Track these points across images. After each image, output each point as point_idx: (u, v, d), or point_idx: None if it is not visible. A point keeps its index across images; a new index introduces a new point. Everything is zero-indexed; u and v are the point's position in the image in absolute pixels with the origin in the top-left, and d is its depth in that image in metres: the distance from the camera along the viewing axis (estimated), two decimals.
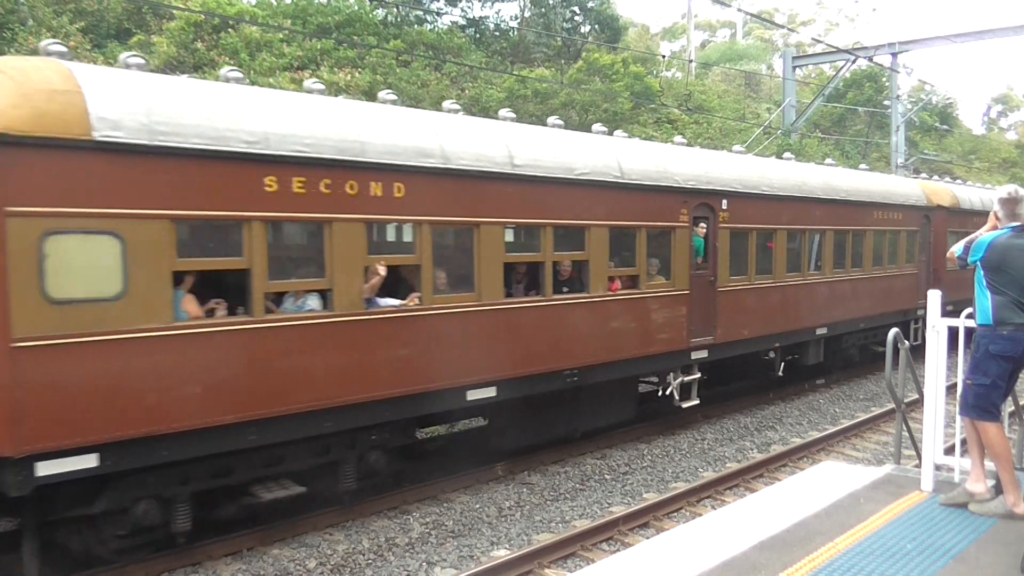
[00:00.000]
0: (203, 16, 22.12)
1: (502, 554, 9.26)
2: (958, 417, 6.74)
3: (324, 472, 9.86)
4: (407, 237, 10.28)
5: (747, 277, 15.17)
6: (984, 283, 6.37)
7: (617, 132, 14.25)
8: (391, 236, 10.60)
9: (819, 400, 17.92)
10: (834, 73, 40.08)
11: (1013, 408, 7.90)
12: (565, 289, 11.84)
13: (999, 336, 6.24)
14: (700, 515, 9.98)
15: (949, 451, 7.36)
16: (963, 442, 6.85)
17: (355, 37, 25.36)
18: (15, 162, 7.05)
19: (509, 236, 11.37)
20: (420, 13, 31.37)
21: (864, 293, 18.72)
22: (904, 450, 8.69)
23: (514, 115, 12.39)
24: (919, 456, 7.48)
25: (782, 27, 56.65)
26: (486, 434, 12.76)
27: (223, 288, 8.73)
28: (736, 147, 18.07)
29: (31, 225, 7.12)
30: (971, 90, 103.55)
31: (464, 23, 33.09)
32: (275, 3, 27.31)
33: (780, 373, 17.32)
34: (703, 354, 14.17)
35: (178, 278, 8.12)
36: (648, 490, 11.78)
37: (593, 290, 12.07)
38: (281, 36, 23.81)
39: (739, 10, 48.75)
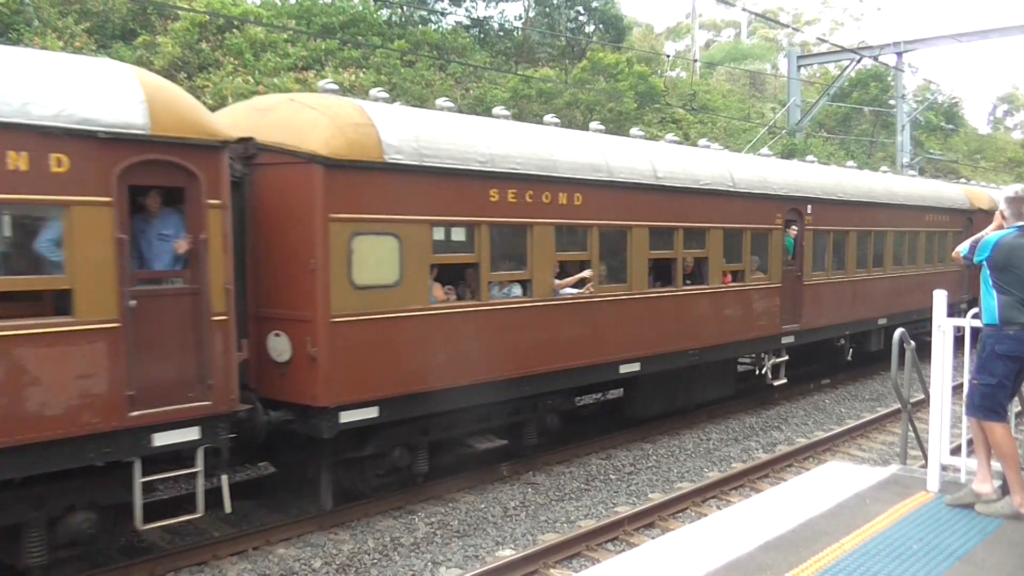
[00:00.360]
0: (208, 16, 22.13)
1: (507, 554, 9.27)
2: (964, 417, 6.72)
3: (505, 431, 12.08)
4: (582, 238, 12.15)
5: (826, 272, 17.47)
6: (990, 282, 6.36)
7: (704, 142, 16.47)
8: (571, 237, 12.18)
9: (824, 400, 17.90)
10: (839, 72, 40.05)
11: (1020, 408, 7.89)
12: (688, 282, 13.98)
13: (1005, 336, 6.23)
14: (706, 515, 9.97)
15: (955, 451, 7.34)
16: (969, 442, 6.83)
17: (359, 37, 25.35)
18: (334, 179, 9.14)
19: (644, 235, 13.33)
20: (424, 13, 31.36)
21: (916, 288, 20.10)
22: (910, 450, 8.69)
23: (508, 113, 12.97)
24: (925, 456, 7.47)
25: (787, 26, 56.54)
26: (622, 404, 14.85)
27: (450, 278, 10.84)
28: (809, 157, 21.13)
29: (344, 228, 9.21)
30: (977, 89, 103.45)
31: (468, 23, 33.09)
32: (279, 3, 27.32)
33: (849, 358, 19.45)
34: (791, 339, 16.39)
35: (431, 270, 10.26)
36: (653, 490, 11.77)
37: (711, 282, 14.31)
38: (285, 36, 23.81)
39: (744, 9, 48.77)
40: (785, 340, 16.21)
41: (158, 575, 8.68)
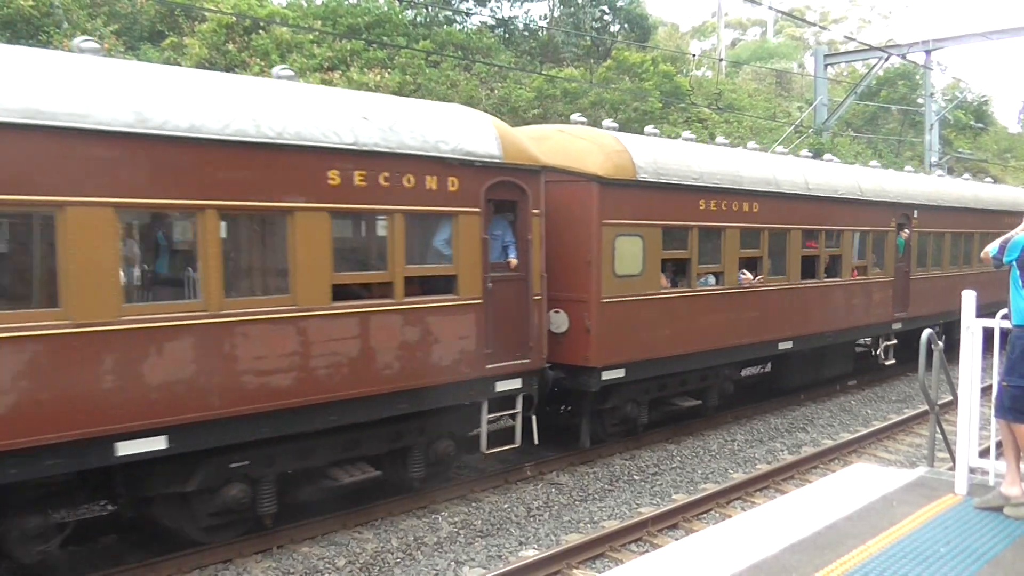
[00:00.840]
0: (234, 18, 22.30)
1: (530, 554, 9.26)
2: (993, 419, 6.65)
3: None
4: (756, 238, 14.88)
5: (926, 269, 20.21)
6: (1020, 283, 6.29)
7: (782, 148, 18.47)
8: (749, 238, 14.81)
9: (850, 401, 17.77)
10: (866, 71, 39.67)
11: None
12: (826, 275, 16.78)
13: None
14: (730, 516, 9.93)
15: (984, 454, 7.26)
16: (998, 444, 6.76)
17: (385, 38, 25.43)
18: (605, 193, 12.10)
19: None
20: (449, 13, 31.42)
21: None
22: (937, 453, 8.61)
23: (694, 136, 15.89)
24: (953, 459, 7.39)
25: (813, 25, 56.12)
26: (772, 377, 17.42)
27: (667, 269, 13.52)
28: (908, 167, 23.71)
29: (611, 230, 12.20)
30: (1007, 87, 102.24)
31: (493, 23, 33.11)
32: (305, 4, 27.48)
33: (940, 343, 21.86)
34: (899, 326, 19.12)
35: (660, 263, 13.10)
36: (677, 491, 11.73)
37: (844, 276, 17.26)
38: (311, 37, 23.95)
39: (770, 8, 48.39)
40: (895, 327, 19.04)
41: (184, 572, 8.75)
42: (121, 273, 7.82)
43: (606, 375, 12.31)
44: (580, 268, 12.15)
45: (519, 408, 11.44)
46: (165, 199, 8.00)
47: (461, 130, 10.48)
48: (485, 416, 10.99)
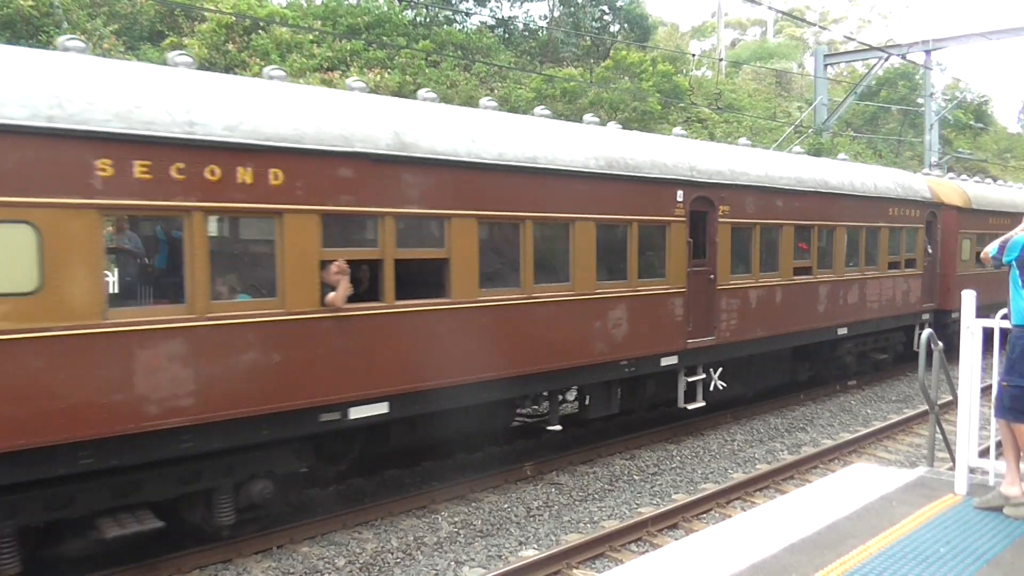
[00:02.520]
0: (234, 18, 22.30)
1: (530, 554, 9.26)
2: (992, 419, 6.65)
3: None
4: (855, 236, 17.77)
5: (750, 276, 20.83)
6: (1019, 283, 6.29)
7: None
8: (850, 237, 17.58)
9: (850, 401, 17.76)
10: (866, 71, 39.68)
11: None
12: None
13: None
14: (730, 516, 9.93)
15: (983, 454, 7.26)
16: (998, 444, 6.76)
17: (384, 38, 25.45)
18: (963, 216, 20.68)
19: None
20: (449, 13, 31.42)
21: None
22: (937, 452, 8.61)
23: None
24: (953, 459, 7.39)
25: (813, 25, 56.13)
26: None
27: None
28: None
29: (964, 236, 21.10)
30: (1006, 87, 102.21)
31: (493, 23, 33.12)
32: (305, 4, 27.49)
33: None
34: (927, 316, 20.79)
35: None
36: (677, 491, 11.73)
37: (881, 270, 19.18)
38: (311, 37, 23.96)
39: (770, 8, 48.40)
40: (924, 316, 20.30)
41: (184, 571, 8.75)
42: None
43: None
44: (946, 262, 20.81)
45: (700, 375, 14.00)
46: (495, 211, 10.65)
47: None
48: (682, 379, 13.70)
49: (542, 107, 13.37)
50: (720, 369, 14.39)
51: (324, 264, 8.88)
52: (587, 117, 13.75)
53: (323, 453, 9.86)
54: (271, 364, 8.54)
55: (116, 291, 8.58)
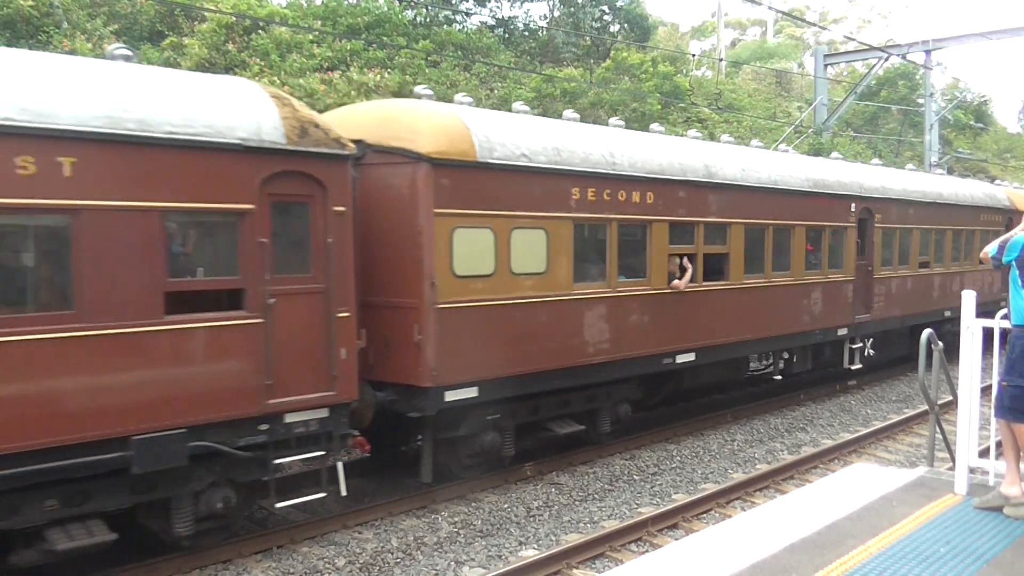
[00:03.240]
0: (234, 18, 22.29)
1: (530, 554, 9.26)
2: (992, 419, 6.65)
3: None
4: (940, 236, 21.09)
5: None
6: (1019, 283, 6.29)
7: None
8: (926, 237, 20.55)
9: (850, 401, 17.77)
10: (866, 71, 39.66)
11: None
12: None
13: None
14: (730, 516, 9.93)
15: (984, 454, 7.26)
16: (998, 444, 6.76)
17: (384, 38, 25.42)
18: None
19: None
20: (449, 13, 31.41)
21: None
22: (937, 452, 8.61)
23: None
24: (953, 459, 7.39)
25: (813, 24, 56.11)
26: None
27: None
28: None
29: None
30: (1006, 87, 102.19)
31: (493, 23, 33.09)
32: (305, 4, 27.47)
33: None
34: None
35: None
36: (677, 491, 11.73)
37: (947, 266, 21.63)
38: (311, 37, 23.94)
39: (770, 8, 48.40)
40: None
41: (184, 572, 8.75)
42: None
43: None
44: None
45: None
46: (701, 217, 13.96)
47: None
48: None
49: (757, 140, 19.09)
50: (871, 339, 18.73)
51: (669, 257, 13.25)
52: (783, 147, 18.91)
53: (650, 388, 14.14)
54: (642, 323, 12.87)
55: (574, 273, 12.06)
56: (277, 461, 8.98)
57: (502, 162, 10.72)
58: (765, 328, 15.32)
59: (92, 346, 7.54)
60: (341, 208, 9.18)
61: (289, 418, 8.87)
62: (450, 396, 10.26)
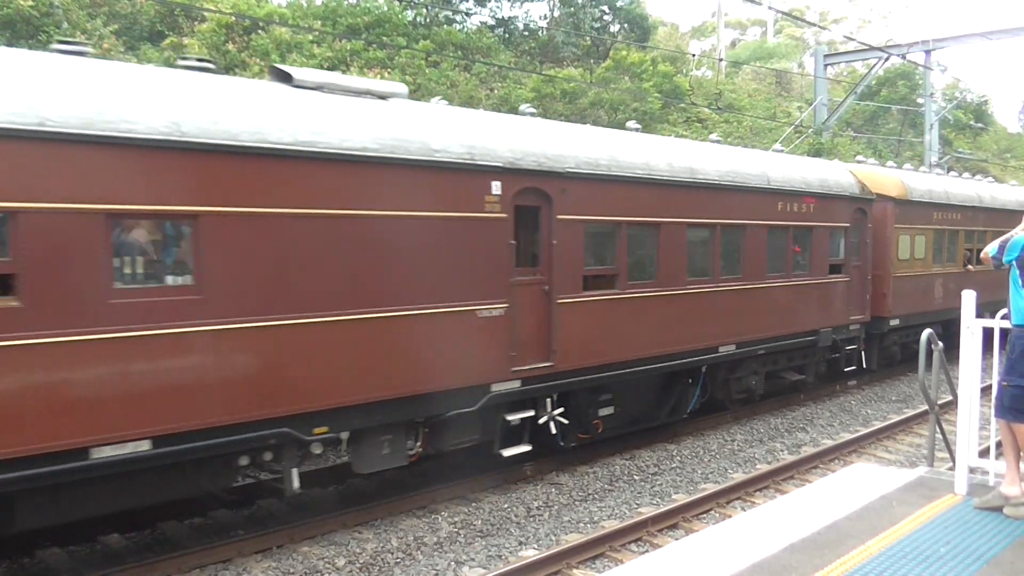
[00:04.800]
0: (234, 18, 22.29)
1: (530, 554, 9.26)
2: (992, 419, 6.65)
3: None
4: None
5: None
6: (1019, 283, 6.28)
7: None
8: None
9: (850, 401, 17.76)
10: (866, 71, 39.66)
11: None
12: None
13: None
14: (730, 516, 9.93)
15: (984, 454, 7.26)
16: (998, 444, 6.76)
17: (384, 38, 25.43)
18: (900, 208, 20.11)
19: None
20: (449, 13, 31.42)
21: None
22: (937, 452, 8.60)
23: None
24: (953, 459, 7.39)
25: (813, 25, 56.14)
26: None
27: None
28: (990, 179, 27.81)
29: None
30: (1006, 87, 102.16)
31: (493, 23, 33.11)
32: (305, 4, 27.48)
33: None
34: None
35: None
36: (677, 491, 11.73)
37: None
38: (311, 37, 23.95)
39: (770, 8, 48.39)
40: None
41: (184, 571, 8.75)
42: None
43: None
44: None
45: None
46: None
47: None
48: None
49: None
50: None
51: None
52: (859, 158, 22.67)
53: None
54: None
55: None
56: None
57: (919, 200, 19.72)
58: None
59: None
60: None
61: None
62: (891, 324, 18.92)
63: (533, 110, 13.10)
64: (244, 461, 8.77)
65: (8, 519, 7.44)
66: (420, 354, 9.67)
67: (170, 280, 7.93)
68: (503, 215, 10.49)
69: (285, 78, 9.71)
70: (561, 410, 11.71)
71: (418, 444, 10.26)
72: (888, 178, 19.45)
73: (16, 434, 6.91)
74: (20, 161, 6.90)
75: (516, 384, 10.80)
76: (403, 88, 10.72)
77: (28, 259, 6.97)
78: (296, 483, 9.10)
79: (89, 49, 8.44)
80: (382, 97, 10.20)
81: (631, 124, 14.70)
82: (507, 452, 11.15)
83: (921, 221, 20.06)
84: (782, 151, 19.14)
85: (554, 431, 11.69)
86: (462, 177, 10.04)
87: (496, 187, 10.41)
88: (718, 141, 17.04)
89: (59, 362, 7.12)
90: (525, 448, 11.35)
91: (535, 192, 10.95)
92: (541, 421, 11.48)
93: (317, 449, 9.31)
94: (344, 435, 9.39)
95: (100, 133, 7.26)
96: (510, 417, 11.02)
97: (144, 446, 7.57)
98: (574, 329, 11.47)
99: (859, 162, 20.15)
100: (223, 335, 8.05)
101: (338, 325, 8.88)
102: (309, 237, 8.64)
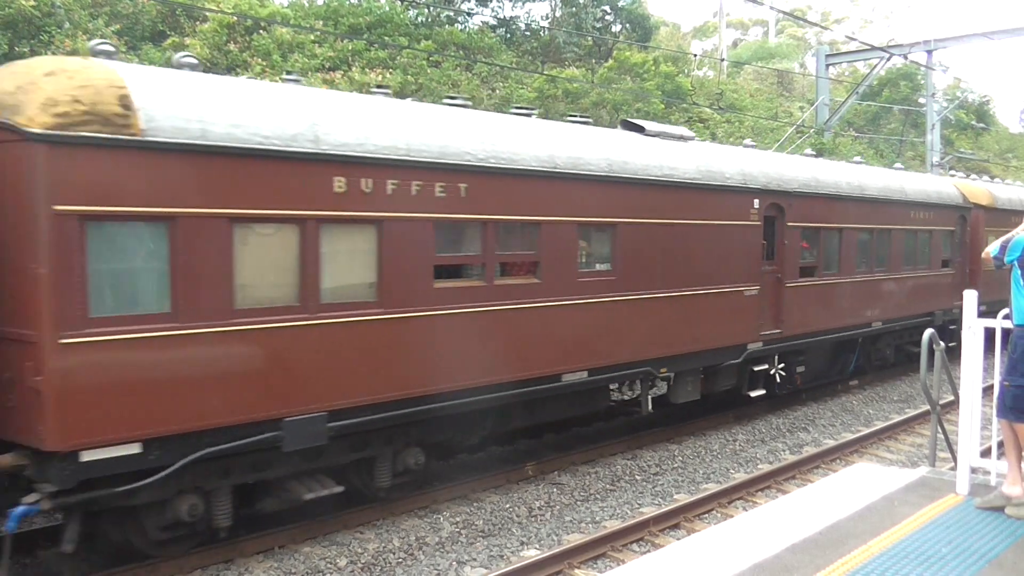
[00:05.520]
0: (235, 18, 22.29)
1: (532, 554, 9.27)
2: (994, 419, 6.64)
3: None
4: None
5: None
6: (1021, 283, 6.28)
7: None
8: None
9: (852, 401, 17.76)
10: (868, 71, 39.62)
11: None
12: None
13: None
14: (731, 516, 9.92)
15: (985, 453, 7.26)
16: (1000, 444, 6.76)
17: (386, 38, 25.41)
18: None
19: None
20: (451, 13, 31.41)
21: None
22: (939, 452, 8.60)
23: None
24: (954, 458, 7.39)
25: (815, 25, 56.13)
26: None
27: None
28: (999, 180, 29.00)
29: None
30: (1008, 87, 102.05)
31: (495, 23, 33.10)
32: (307, 4, 27.49)
33: None
34: None
35: None
36: (679, 491, 11.73)
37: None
38: (313, 37, 23.94)
39: (772, 8, 48.34)
40: None
41: (186, 572, 8.76)
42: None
43: None
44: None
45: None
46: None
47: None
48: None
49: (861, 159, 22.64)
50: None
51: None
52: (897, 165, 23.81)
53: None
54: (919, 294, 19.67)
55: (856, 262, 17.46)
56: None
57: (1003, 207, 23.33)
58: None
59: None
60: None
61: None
62: None
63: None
64: (614, 386, 13.87)
65: (507, 421, 11.37)
66: (711, 321, 13.72)
67: (599, 266, 12.11)
68: (758, 223, 14.68)
69: (639, 129, 13.67)
70: (782, 365, 15.82)
71: (699, 388, 14.09)
72: (980, 189, 23.36)
73: (530, 368, 10.94)
74: (541, 190, 10.95)
75: (760, 344, 14.89)
76: (692, 133, 14.99)
77: (543, 252, 10.94)
78: (650, 406, 13.27)
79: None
80: (683, 139, 14.16)
81: (808, 150, 19.91)
82: (753, 393, 15.24)
83: (1005, 225, 21.05)
84: (902, 168, 23.27)
85: (778, 380, 15.77)
86: (738, 196, 14.23)
87: (756, 203, 14.60)
88: (860, 161, 21.03)
89: (551, 317, 11.10)
90: (762, 392, 15.41)
91: (775, 206, 15.11)
92: (772, 372, 15.54)
93: (660, 384, 13.85)
94: (671, 375, 13.33)
95: (582, 172, 11.47)
96: (755, 368, 15.08)
97: (583, 375, 11.64)
98: (793, 306, 15.68)
99: (856, 163, 20.75)
100: (627, 303, 12.25)
101: (673, 299, 13.10)
102: (664, 237, 12.81)
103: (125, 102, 7.47)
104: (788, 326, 15.43)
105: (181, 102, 7.93)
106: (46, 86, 7.30)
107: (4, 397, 7.48)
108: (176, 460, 7.85)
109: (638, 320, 12.44)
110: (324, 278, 8.84)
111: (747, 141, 17.19)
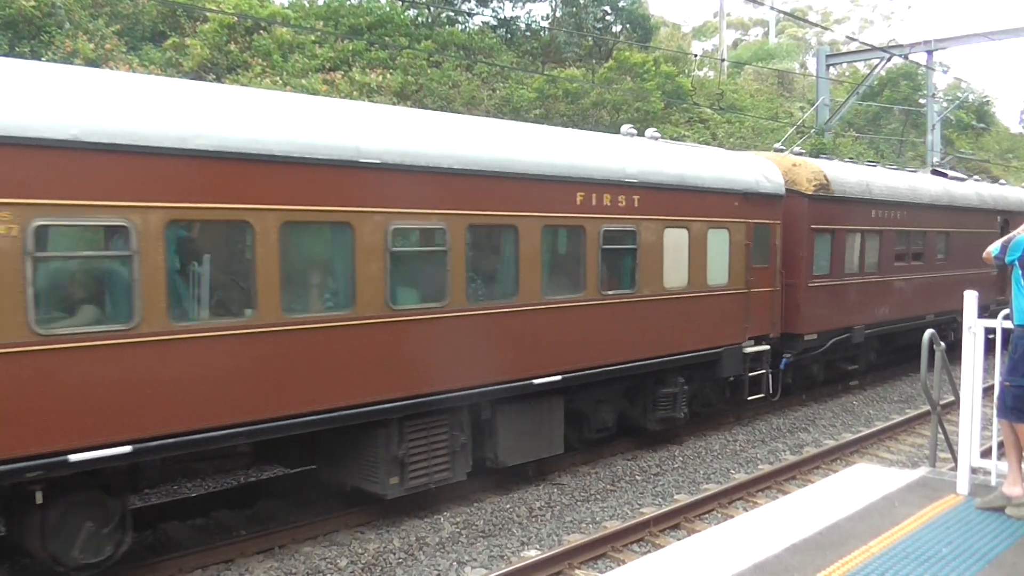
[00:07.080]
0: (236, 18, 22.30)
1: (532, 554, 9.27)
2: (995, 419, 6.64)
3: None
4: None
5: None
6: (1021, 283, 6.28)
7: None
8: None
9: (853, 402, 17.75)
10: (868, 71, 39.62)
11: None
12: None
13: None
14: (732, 517, 9.93)
15: (986, 454, 7.26)
16: (1000, 444, 6.75)
17: (386, 38, 25.43)
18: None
19: None
20: (451, 14, 31.42)
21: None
22: (939, 453, 8.58)
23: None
24: (955, 459, 7.38)
25: (816, 25, 56.15)
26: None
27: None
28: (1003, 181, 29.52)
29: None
30: (1009, 88, 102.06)
31: (495, 23, 33.10)
32: (307, 5, 27.50)
33: None
34: None
35: None
36: (679, 491, 11.73)
37: None
38: (313, 38, 23.96)
39: (772, 8, 48.33)
40: None
41: (187, 571, 8.76)
42: None
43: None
44: None
45: None
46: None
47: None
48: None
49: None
50: None
51: None
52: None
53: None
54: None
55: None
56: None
57: None
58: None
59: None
60: None
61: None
62: None
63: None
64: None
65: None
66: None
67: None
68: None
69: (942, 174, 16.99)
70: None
71: None
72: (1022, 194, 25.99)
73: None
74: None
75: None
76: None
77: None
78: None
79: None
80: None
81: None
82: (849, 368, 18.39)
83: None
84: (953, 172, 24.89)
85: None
86: None
87: None
88: (915, 171, 22.66)
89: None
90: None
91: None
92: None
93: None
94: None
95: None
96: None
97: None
98: None
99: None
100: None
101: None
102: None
103: None
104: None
105: None
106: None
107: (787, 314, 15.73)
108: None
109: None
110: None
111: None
